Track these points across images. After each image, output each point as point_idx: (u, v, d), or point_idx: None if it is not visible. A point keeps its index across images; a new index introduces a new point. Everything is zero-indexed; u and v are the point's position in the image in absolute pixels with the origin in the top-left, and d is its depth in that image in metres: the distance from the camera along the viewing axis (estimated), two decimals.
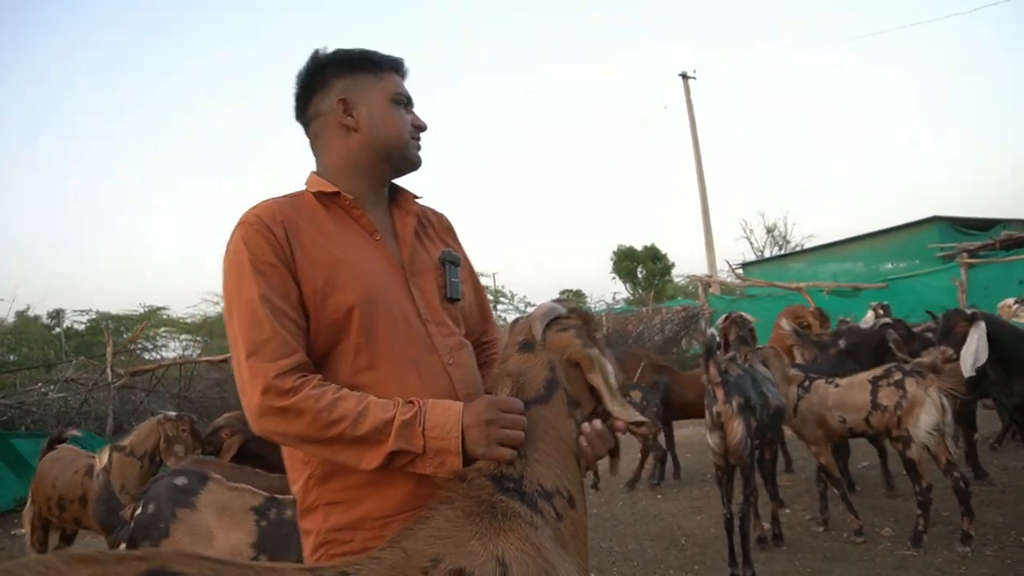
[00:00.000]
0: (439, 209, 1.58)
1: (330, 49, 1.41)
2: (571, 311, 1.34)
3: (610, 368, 1.27)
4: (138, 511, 2.37)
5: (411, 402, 1.17)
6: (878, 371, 4.02)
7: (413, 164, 1.43)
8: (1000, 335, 3.76)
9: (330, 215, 1.33)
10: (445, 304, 1.38)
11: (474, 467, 1.14)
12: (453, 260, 1.41)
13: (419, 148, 1.44)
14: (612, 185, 54.59)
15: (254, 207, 1.29)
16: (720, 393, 3.70)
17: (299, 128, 1.47)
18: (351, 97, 1.36)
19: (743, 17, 52.05)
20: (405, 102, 1.42)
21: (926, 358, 3.91)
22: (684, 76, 20.39)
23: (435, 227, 1.51)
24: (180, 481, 2.47)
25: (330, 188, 1.34)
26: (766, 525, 4.16)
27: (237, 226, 1.26)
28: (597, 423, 1.25)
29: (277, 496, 2.40)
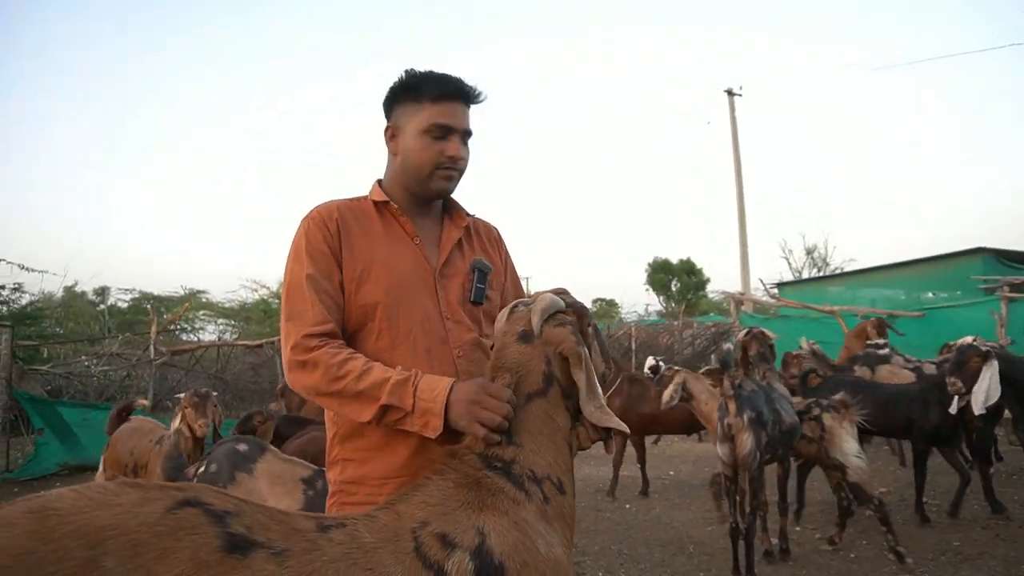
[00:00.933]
0: (491, 220, 1.76)
1: (422, 69, 1.55)
2: (569, 305, 1.39)
3: (594, 370, 1.32)
4: (201, 469, 2.64)
5: (409, 371, 1.34)
6: (801, 406, 4.32)
7: (435, 194, 1.56)
8: (1016, 374, 3.78)
9: (381, 219, 1.55)
10: (468, 306, 1.54)
11: (464, 445, 1.26)
12: (483, 269, 1.57)
13: (449, 178, 1.53)
14: (651, 197, 54.36)
15: (319, 205, 1.53)
16: (732, 406, 3.78)
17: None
18: (397, 124, 1.55)
19: (791, 36, 51.41)
20: (440, 134, 1.50)
21: (836, 396, 4.34)
22: (729, 92, 20.26)
23: (483, 238, 1.68)
24: (242, 447, 2.76)
25: (381, 198, 1.55)
26: (774, 540, 4.21)
27: (303, 219, 1.51)
28: None
29: (325, 469, 2.70)
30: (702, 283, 26.55)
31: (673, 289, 26.50)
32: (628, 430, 1.35)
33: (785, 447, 4.09)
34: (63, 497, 0.92)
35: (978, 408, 3.70)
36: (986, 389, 3.69)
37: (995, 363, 3.77)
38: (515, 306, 1.40)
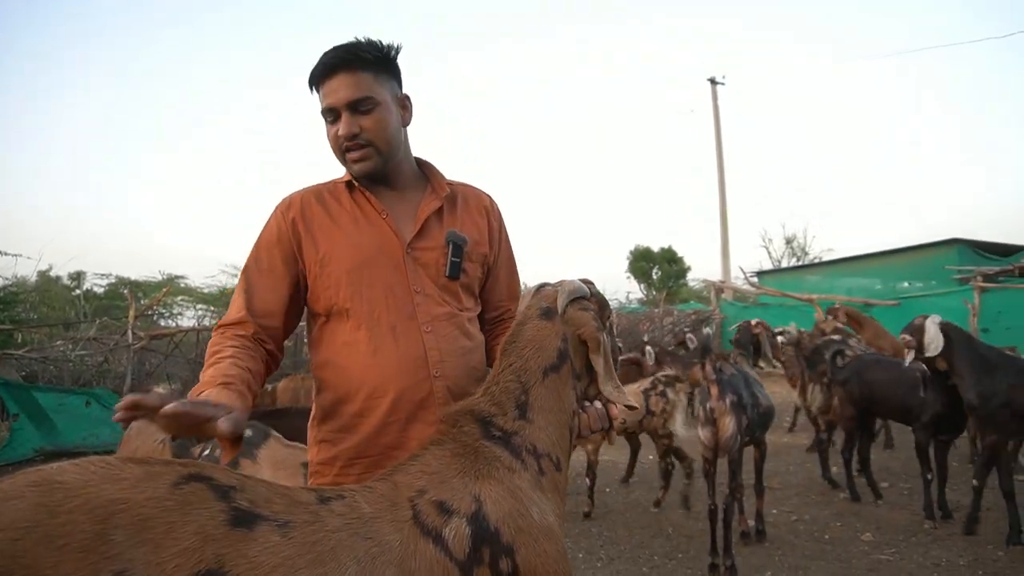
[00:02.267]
0: (487, 190, 1.71)
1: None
2: (592, 294, 1.44)
3: (611, 356, 1.38)
4: (205, 452, 2.65)
5: (217, 382, 1.25)
6: (646, 383, 4.94)
7: (360, 175, 1.52)
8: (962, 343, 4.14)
9: (352, 198, 1.55)
10: (444, 280, 1.52)
11: (465, 410, 1.28)
12: (457, 242, 1.53)
13: (358, 158, 1.48)
14: (633, 185, 54.43)
15: (289, 194, 1.56)
16: (715, 390, 3.85)
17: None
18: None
19: (774, 27, 51.59)
20: (331, 118, 1.49)
21: (671, 370, 5.29)
22: (712, 81, 20.38)
23: (471, 207, 1.63)
24: (247, 433, 2.74)
25: (347, 178, 1.56)
26: (751, 522, 4.30)
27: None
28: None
29: None
30: (683, 271, 26.73)
31: (654, 277, 26.65)
32: (640, 408, 1.41)
33: (762, 429, 4.18)
34: (66, 471, 0.92)
35: (930, 351, 4.13)
36: (932, 337, 4.10)
37: (937, 317, 4.19)
38: (543, 285, 1.45)
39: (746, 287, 16.41)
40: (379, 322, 1.45)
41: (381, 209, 1.53)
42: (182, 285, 19.12)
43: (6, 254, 11.26)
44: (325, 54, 1.47)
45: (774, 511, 4.78)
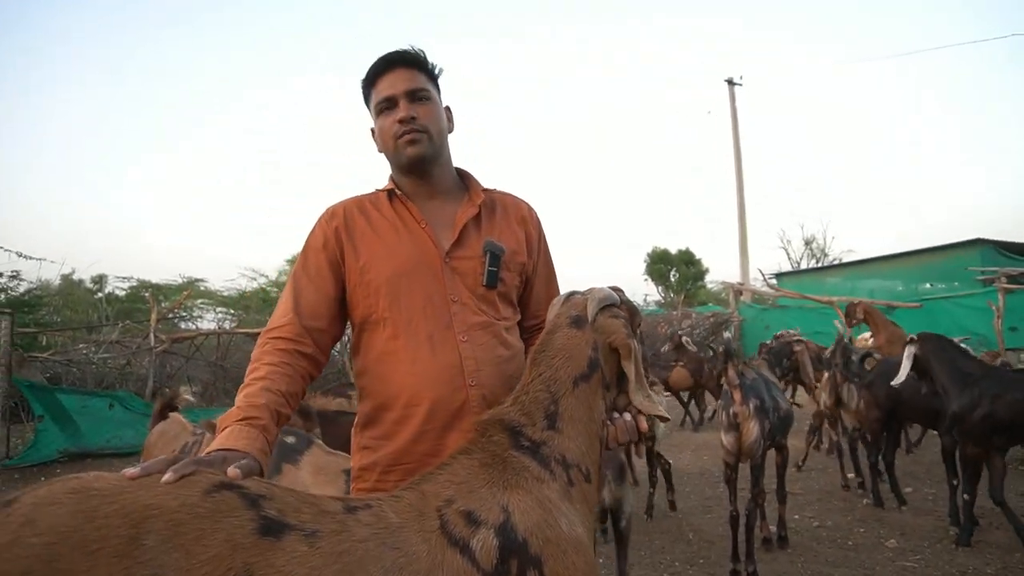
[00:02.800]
0: (526, 197, 1.73)
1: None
2: (622, 301, 1.42)
3: (641, 364, 1.36)
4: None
5: (242, 418, 1.26)
6: None
7: (407, 163, 1.55)
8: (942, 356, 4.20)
9: (393, 207, 1.58)
10: (482, 289, 1.52)
11: (494, 420, 1.27)
12: (494, 251, 1.54)
13: (412, 141, 1.53)
14: (651, 187, 54.25)
15: (332, 204, 1.60)
16: (738, 395, 3.81)
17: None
18: (373, 123, 1.62)
19: (793, 27, 51.19)
20: (387, 106, 1.55)
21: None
22: (730, 82, 20.25)
23: (509, 215, 1.64)
24: (290, 440, 2.79)
25: (388, 187, 1.60)
26: (773, 528, 4.26)
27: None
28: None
29: None
30: (701, 273, 26.59)
31: (672, 279, 26.53)
32: (670, 418, 1.38)
33: (783, 434, 4.15)
34: (102, 478, 0.94)
35: (895, 383, 4.30)
36: (902, 370, 4.27)
37: (912, 348, 4.27)
38: (572, 293, 1.43)
39: (765, 289, 16.26)
40: (416, 331, 1.47)
41: (420, 218, 1.55)
42: (202, 288, 19.34)
43: (30, 258, 11.44)
44: (383, 56, 1.56)
45: (796, 517, 4.73)
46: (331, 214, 1.57)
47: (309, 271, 1.52)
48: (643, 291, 26.68)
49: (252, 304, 18.85)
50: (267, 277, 19.62)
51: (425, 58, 1.59)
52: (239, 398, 1.31)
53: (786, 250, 27.26)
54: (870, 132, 49.27)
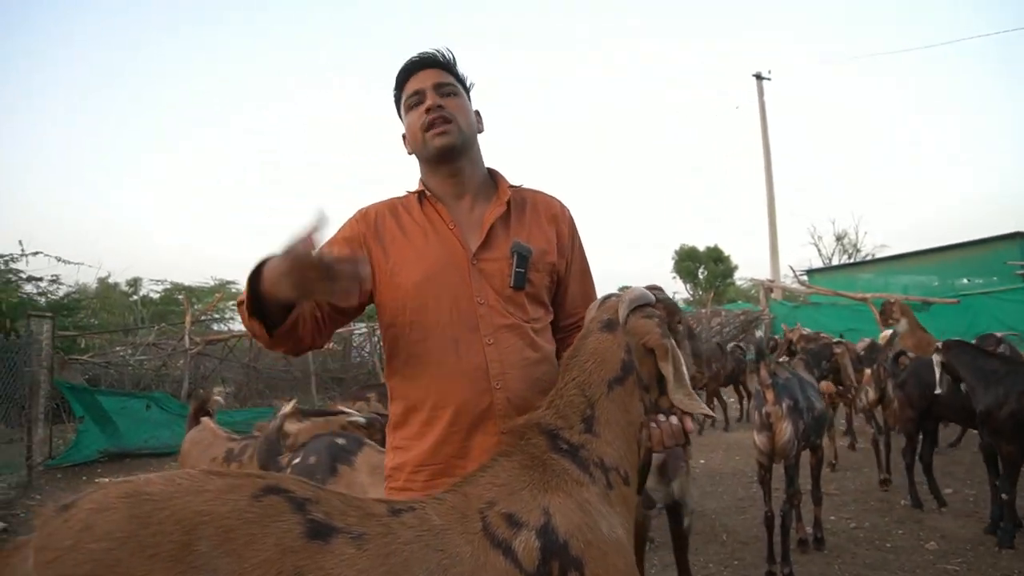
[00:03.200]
0: (558, 195, 1.71)
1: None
2: (659, 300, 1.40)
3: (683, 360, 1.32)
4: (296, 460, 2.60)
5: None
6: None
7: (436, 154, 1.54)
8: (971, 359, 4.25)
9: (423, 208, 1.58)
10: (509, 291, 1.51)
11: (531, 423, 1.27)
12: (521, 252, 1.52)
13: (442, 132, 1.53)
14: (678, 184, 53.82)
15: (364, 206, 1.62)
16: (771, 395, 3.77)
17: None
18: (404, 122, 1.63)
19: (822, 20, 50.38)
20: (416, 101, 1.57)
21: None
22: (758, 77, 19.99)
23: (540, 214, 1.62)
24: (341, 441, 2.81)
25: (418, 189, 1.60)
26: (809, 529, 4.20)
27: None
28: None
29: None
30: (730, 270, 26.36)
31: (700, 277, 26.32)
32: (715, 416, 1.36)
33: (817, 434, 4.09)
34: (153, 483, 0.97)
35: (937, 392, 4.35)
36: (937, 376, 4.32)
37: (937, 356, 4.32)
38: (607, 296, 1.42)
39: (796, 286, 16.04)
40: (443, 334, 1.47)
41: (449, 220, 1.55)
42: (233, 290, 19.69)
43: (69, 262, 11.76)
44: (412, 56, 1.59)
45: (832, 518, 4.66)
46: (363, 215, 1.59)
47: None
48: (672, 289, 26.55)
49: None
50: None
51: (455, 62, 1.60)
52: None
53: (817, 246, 26.93)
54: (904, 124, 48.36)
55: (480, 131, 1.65)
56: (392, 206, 1.60)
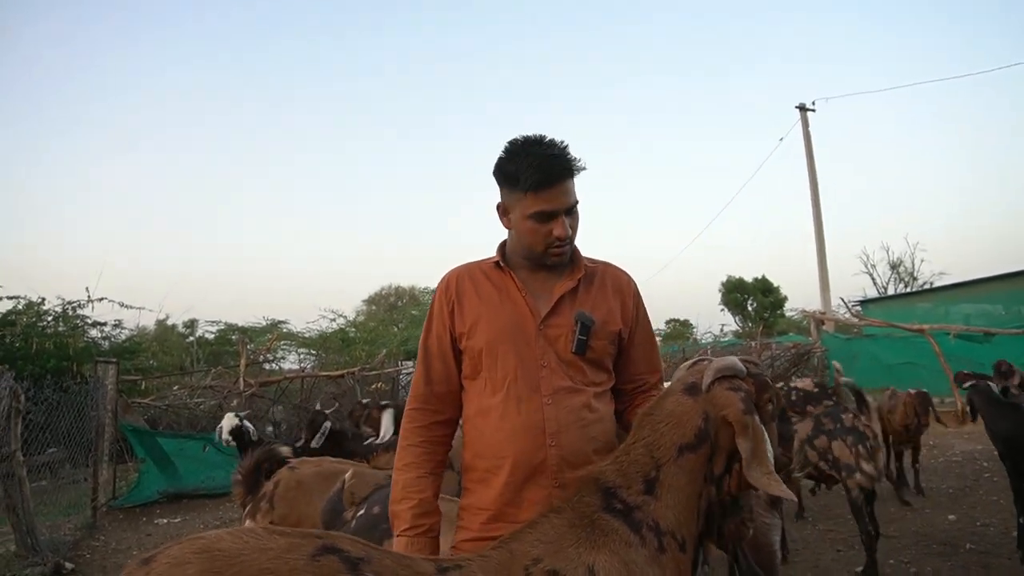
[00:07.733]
0: (627, 270, 1.83)
1: (520, 144, 1.65)
2: (750, 374, 1.36)
3: (767, 439, 1.27)
4: (360, 512, 2.56)
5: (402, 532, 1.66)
6: None
7: (551, 266, 1.70)
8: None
9: (500, 275, 1.73)
10: (570, 356, 1.64)
11: (590, 478, 1.30)
12: (585, 321, 1.64)
13: (559, 254, 1.66)
14: (724, 214, 53.28)
15: (449, 271, 1.79)
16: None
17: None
18: (506, 204, 1.70)
19: (869, 48, 49.86)
20: (545, 219, 1.62)
21: None
22: (802, 108, 19.82)
23: (608, 287, 1.75)
24: None
25: (495, 259, 1.75)
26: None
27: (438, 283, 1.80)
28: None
29: None
30: (779, 302, 25.85)
31: (749, 308, 25.87)
32: (795, 499, 1.32)
33: None
34: (223, 539, 1.06)
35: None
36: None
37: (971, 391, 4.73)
38: (699, 360, 1.43)
39: (849, 317, 15.61)
40: (508, 391, 1.62)
41: (522, 287, 1.69)
42: (285, 330, 20.15)
43: (131, 307, 12.28)
44: (541, 165, 1.59)
45: (891, 561, 4.48)
46: (445, 284, 1.76)
47: (431, 344, 1.73)
48: (720, 321, 26.13)
49: (332, 345, 19.52)
50: (345, 318, 20.37)
51: (577, 159, 1.65)
52: (397, 488, 1.67)
53: (871, 275, 26.21)
54: (961, 149, 47.11)
55: None
56: (471, 270, 1.76)
